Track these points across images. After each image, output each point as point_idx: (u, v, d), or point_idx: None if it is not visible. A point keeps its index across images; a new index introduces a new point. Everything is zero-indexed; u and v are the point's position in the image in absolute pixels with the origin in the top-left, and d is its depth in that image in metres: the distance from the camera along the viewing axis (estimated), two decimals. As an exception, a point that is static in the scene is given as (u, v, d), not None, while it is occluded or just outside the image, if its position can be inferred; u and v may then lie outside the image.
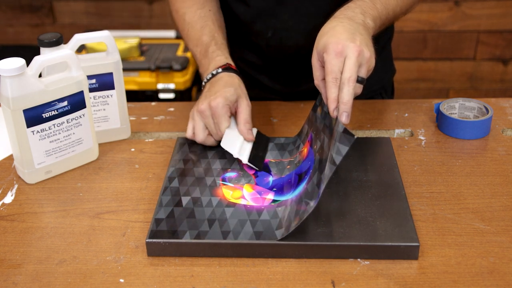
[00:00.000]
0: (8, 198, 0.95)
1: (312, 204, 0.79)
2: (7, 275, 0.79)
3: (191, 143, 1.03)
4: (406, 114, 1.16)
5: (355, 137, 0.76)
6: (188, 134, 1.01)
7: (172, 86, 2.21)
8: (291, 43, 1.16)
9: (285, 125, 1.13)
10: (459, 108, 1.12)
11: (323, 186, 0.78)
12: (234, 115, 1.01)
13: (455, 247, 0.81)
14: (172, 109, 1.20)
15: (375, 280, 0.76)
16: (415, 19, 2.45)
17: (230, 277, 0.78)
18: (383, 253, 0.79)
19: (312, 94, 1.22)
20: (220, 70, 1.02)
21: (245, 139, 0.99)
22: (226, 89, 0.98)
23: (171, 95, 2.22)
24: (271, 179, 0.94)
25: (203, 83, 1.04)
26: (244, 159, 0.96)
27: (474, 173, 0.97)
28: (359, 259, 0.79)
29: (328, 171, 0.77)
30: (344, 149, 0.76)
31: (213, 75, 1.02)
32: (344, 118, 0.81)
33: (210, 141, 1.00)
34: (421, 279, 0.76)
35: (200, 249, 0.81)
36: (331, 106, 0.83)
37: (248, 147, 0.98)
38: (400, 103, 1.20)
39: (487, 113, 1.08)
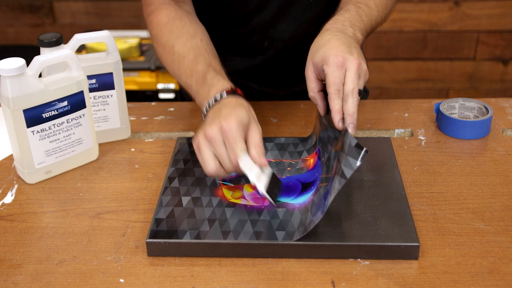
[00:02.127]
0: (8, 198, 0.95)
1: (319, 215, 0.79)
2: (7, 275, 0.79)
3: (191, 143, 1.03)
4: (406, 114, 1.16)
5: (367, 152, 0.76)
6: (206, 170, 0.84)
7: (172, 86, 2.21)
8: (286, 50, 1.16)
9: (285, 125, 1.13)
10: (459, 108, 1.12)
11: (330, 199, 0.78)
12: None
13: (455, 247, 0.81)
14: (172, 109, 1.20)
15: (375, 280, 0.76)
16: (415, 19, 2.45)
17: (230, 277, 0.78)
18: (383, 253, 0.79)
19: (305, 95, 1.22)
20: (225, 94, 0.88)
21: (256, 163, 0.83)
22: (238, 110, 0.84)
23: (171, 95, 2.22)
24: (271, 179, 0.94)
25: (204, 112, 0.90)
26: (261, 188, 0.83)
27: (474, 173, 0.97)
28: (359, 259, 0.79)
29: (337, 184, 0.77)
30: (355, 164, 0.76)
31: (216, 101, 0.88)
32: (350, 130, 0.81)
33: (223, 172, 0.85)
34: (421, 279, 0.76)
35: (200, 249, 0.81)
36: (337, 117, 0.83)
37: (265, 178, 0.84)
38: (400, 103, 1.20)
39: (487, 113, 1.08)
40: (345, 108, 0.83)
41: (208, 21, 1.11)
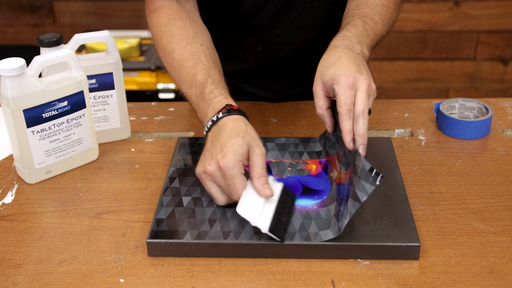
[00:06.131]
0: (8, 198, 0.95)
1: (334, 235, 0.79)
2: (7, 275, 0.79)
3: (192, 143, 1.03)
4: (406, 114, 1.16)
5: (382, 176, 0.76)
6: (216, 202, 0.87)
7: (172, 86, 2.21)
8: (280, 56, 1.17)
9: (285, 125, 1.13)
10: (459, 108, 1.12)
11: (345, 221, 0.78)
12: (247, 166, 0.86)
13: (455, 247, 0.81)
14: (172, 109, 1.20)
15: (375, 280, 0.76)
16: (415, 19, 2.45)
17: (230, 277, 0.78)
18: (383, 253, 0.79)
19: (297, 98, 1.22)
20: (220, 115, 0.87)
21: (261, 195, 0.83)
22: (233, 141, 0.83)
23: (171, 95, 2.22)
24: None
25: (204, 133, 0.90)
26: (264, 228, 0.80)
27: (474, 173, 0.97)
28: (359, 259, 0.79)
29: (351, 208, 0.78)
30: (371, 188, 0.77)
31: (213, 122, 0.87)
32: (361, 150, 0.82)
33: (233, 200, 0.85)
34: (421, 279, 0.76)
35: (201, 249, 0.81)
36: (347, 138, 0.84)
37: (270, 209, 0.83)
38: (400, 103, 1.20)
39: (487, 113, 1.08)
40: (356, 129, 0.83)
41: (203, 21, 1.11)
